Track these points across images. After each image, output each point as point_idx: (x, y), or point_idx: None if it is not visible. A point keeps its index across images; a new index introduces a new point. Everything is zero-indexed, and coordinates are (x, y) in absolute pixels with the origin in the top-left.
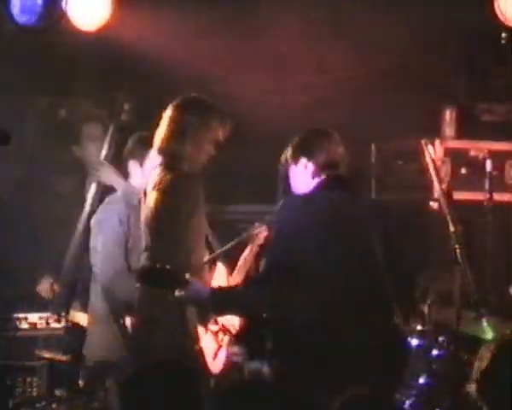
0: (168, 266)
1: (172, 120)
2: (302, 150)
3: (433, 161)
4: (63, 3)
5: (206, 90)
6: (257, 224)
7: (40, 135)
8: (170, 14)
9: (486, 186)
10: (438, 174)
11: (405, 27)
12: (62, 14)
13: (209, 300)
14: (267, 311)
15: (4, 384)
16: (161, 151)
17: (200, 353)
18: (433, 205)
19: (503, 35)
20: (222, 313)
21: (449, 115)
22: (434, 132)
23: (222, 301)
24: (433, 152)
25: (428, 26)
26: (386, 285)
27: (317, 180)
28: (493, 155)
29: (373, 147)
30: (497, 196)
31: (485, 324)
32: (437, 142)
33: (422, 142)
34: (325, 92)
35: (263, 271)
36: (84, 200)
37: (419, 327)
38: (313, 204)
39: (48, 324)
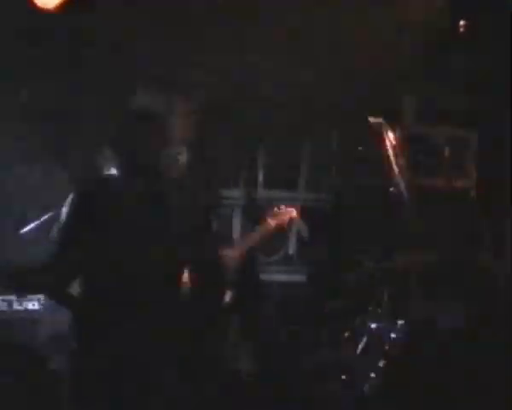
0: None
1: None
2: None
3: (393, 146)
4: None
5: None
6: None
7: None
8: None
9: (445, 172)
10: (397, 160)
11: (366, 15)
12: None
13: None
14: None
15: None
16: None
17: None
18: (393, 190)
19: (462, 23)
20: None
21: (408, 102)
22: (394, 119)
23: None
24: (393, 138)
25: (387, 13)
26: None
27: None
28: (452, 141)
29: (333, 134)
30: (457, 182)
31: None
32: (397, 128)
33: (382, 126)
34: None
35: None
36: None
37: (378, 310)
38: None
39: None
